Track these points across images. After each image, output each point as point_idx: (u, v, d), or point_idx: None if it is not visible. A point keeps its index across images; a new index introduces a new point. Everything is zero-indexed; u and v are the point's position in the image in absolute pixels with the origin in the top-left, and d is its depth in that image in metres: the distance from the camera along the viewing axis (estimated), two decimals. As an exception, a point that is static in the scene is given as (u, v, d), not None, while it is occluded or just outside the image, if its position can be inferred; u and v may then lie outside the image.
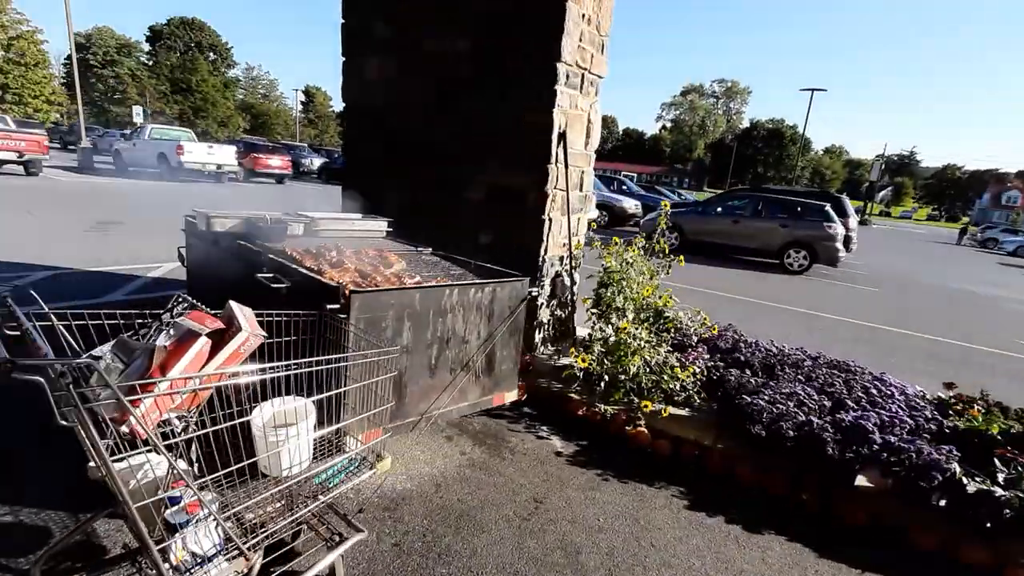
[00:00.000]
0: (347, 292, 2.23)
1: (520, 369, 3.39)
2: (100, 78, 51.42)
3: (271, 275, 2.41)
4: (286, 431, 1.93)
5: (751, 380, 3.66)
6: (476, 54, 4.29)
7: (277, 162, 22.07)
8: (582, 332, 4.39)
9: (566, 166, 4.17)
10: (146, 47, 57.04)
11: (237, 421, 1.78)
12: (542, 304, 4.37)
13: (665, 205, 4.80)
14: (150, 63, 55.85)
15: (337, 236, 3.65)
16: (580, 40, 4.14)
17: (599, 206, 17.89)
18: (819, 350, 4.50)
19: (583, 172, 4.59)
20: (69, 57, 48.61)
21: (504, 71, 4.17)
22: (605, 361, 3.75)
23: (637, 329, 3.79)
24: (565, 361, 4.02)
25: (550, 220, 4.24)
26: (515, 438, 3.37)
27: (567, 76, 4.07)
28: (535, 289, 3.07)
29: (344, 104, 5.41)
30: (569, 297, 4.49)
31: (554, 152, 4.08)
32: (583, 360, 3.59)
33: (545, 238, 4.24)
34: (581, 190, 4.64)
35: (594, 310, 4.20)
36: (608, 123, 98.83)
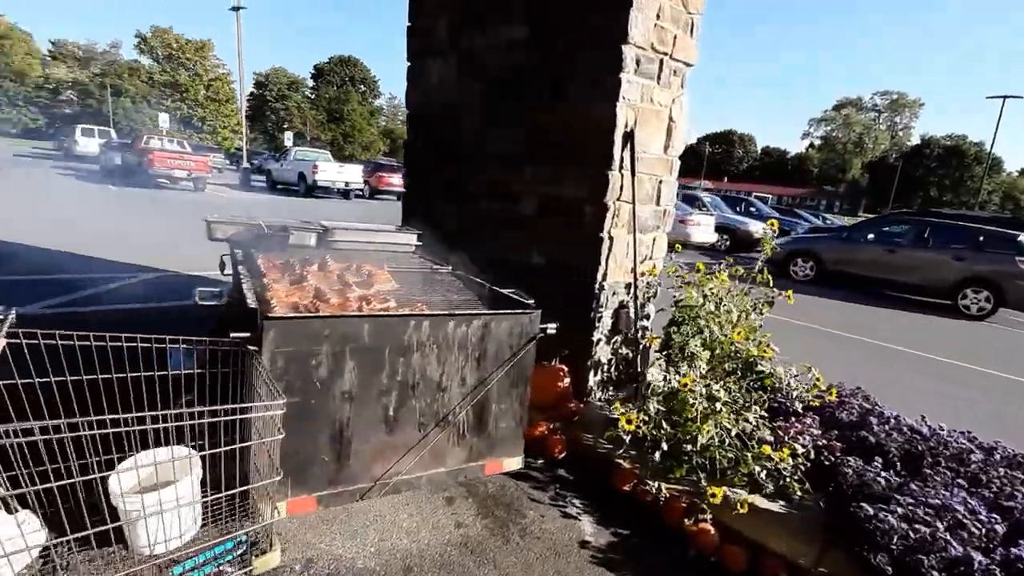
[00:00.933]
0: (262, 317, 1.71)
1: (564, 416, 2.66)
2: (273, 110, 59.97)
3: (209, 291, 1.98)
4: (157, 495, 1.43)
5: (881, 477, 2.52)
6: (531, 43, 3.68)
7: (397, 180, 23.40)
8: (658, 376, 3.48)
9: (633, 173, 3.36)
10: (310, 83, 65.50)
11: (83, 478, 1.33)
12: (599, 340, 3.57)
13: (772, 224, 3.74)
14: (312, 96, 63.95)
15: (353, 248, 3.23)
16: (658, 17, 3.34)
17: (721, 229, 16.15)
18: (998, 438, 3.10)
19: (660, 182, 3.73)
20: (251, 94, 57.33)
21: (560, 60, 3.51)
22: (664, 423, 2.84)
23: (713, 385, 2.83)
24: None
25: (611, 238, 3.44)
26: (534, 512, 2.61)
27: (637, 62, 3.29)
28: (552, 326, 2.33)
29: (408, 113, 5.12)
30: (636, 333, 3.62)
31: (617, 156, 3.31)
32: (630, 419, 2.73)
33: (604, 260, 3.45)
34: (657, 203, 3.77)
35: (660, 353, 3.30)
36: (745, 142, 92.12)
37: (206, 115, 49.98)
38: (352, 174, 20.79)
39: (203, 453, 1.54)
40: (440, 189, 4.57)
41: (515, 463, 2.37)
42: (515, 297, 2.38)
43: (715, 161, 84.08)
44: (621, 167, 3.34)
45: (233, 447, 1.51)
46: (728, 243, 16.13)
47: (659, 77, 3.48)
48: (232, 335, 1.68)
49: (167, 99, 47.52)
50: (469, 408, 2.18)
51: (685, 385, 2.73)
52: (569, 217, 3.57)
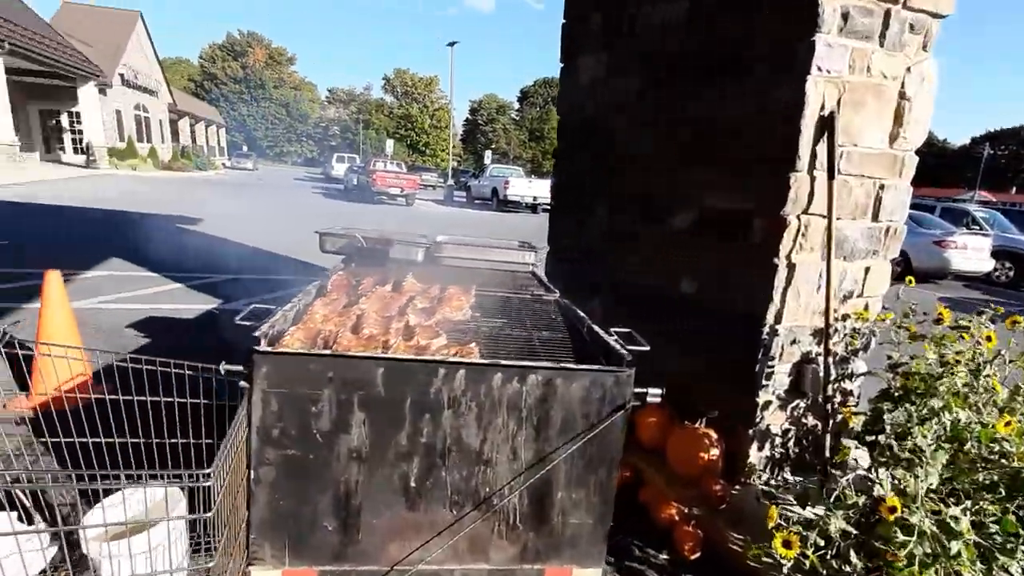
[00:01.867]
0: (251, 350, 1.40)
1: (706, 500, 1.95)
2: (483, 132, 66.13)
3: (251, 311, 1.78)
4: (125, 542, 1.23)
5: None
6: (692, 18, 2.92)
7: (586, 195, 23.28)
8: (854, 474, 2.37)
9: (831, 175, 2.37)
10: (516, 105, 70.50)
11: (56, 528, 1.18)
12: (768, 403, 2.63)
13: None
14: (517, 118, 68.72)
15: (459, 266, 2.90)
16: (879, -58, 2.32)
17: (1000, 254, 12.12)
18: None
19: (880, 187, 2.61)
20: (466, 120, 64.16)
21: (727, 34, 2.69)
22: (853, 557, 1.86)
23: (949, 509, 1.74)
24: (808, 512, 2.14)
25: (791, 265, 2.49)
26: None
27: (844, 16, 2.33)
28: (656, 392, 1.60)
29: (559, 117, 4.68)
30: (829, 401, 2.57)
31: (805, 151, 2.38)
32: (788, 541, 1.80)
33: (779, 294, 2.52)
34: (874, 218, 2.66)
35: (855, 441, 2.25)
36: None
37: (429, 140, 57.41)
38: (541, 189, 21.33)
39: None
40: (582, 202, 4.01)
41: (591, 575, 1.69)
42: (612, 344, 1.72)
43: (997, 167, 64.39)
44: (812, 167, 2.37)
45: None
46: (1011, 273, 12.01)
47: (883, 36, 2.40)
48: (224, 367, 1.42)
49: (401, 129, 55.97)
50: (523, 491, 1.59)
51: (894, 509, 1.69)
52: (730, 235, 2.70)
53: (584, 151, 4.09)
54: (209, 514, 1.11)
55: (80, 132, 22.62)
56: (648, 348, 1.79)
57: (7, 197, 12.03)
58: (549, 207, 4.83)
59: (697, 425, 2.68)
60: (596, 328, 1.93)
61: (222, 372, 1.43)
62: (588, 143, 4.04)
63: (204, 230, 10.03)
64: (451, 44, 25.97)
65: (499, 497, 1.60)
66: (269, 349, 1.41)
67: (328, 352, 1.44)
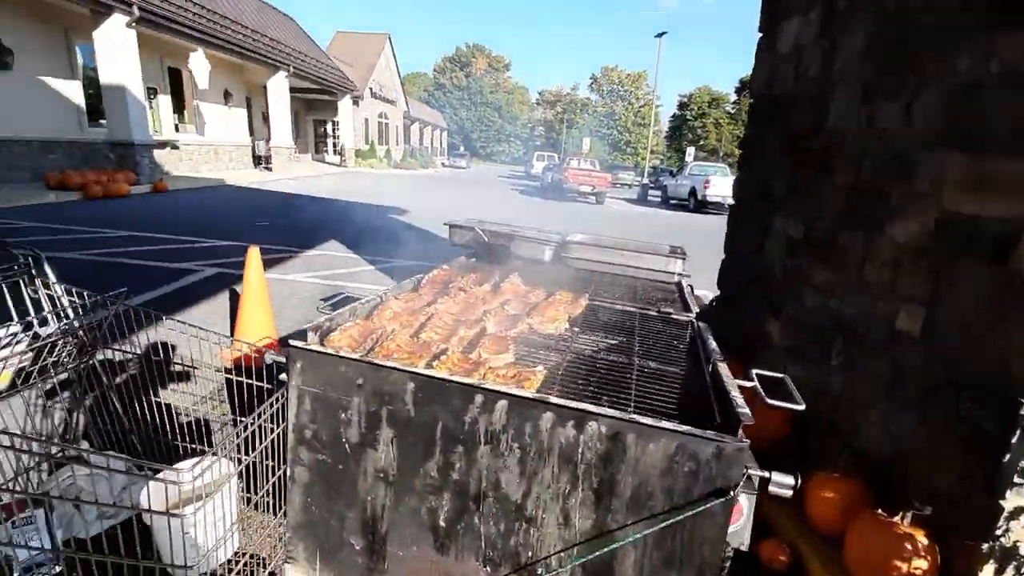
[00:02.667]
0: (287, 342, 1.32)
1: None
2: (691, 128, 62.06)
3: (331, 301, 1.74)
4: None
5: None
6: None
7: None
8: None
9: None
10: (733, 97, 64.46)
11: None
12: (1021, 510, 1.79)
13: None
14: (733, 111, 62.82)
15: (590, 268, 2.57)
16: None
17: None
18: None
19: None
20: (673, 115, 60.98)
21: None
22: None
23: None
24: None
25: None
26: None
27: None
28: (786, 482, 1.06)
29: (750, 101, 3.94)
30: None
31: None
32: None
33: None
34: None
35: None
36: None
37: (631, 138, 56.26)
38: (745, 189, 19.08)
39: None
40: (768, 201, 3.27)
41: None
42: (733, 397, 1.22)
43: None
44: None
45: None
46: None
47: None
48: (270, 357, 1.36)
49: (603, 127, 55.95)
50: (576, 570, 1.22)
51: None
52: (995, 256, 1.85)
53: (776, 138, 3.33)
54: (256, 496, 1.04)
55: (337, 137, 27.86)
56: (803, 407, 1.24)
57: (279, 188, 15.28)
58: (731, 208, 4.13)
59: (899, 518, 1.91)
60: (723, 368, 1.42)
61: (267, 361, 1.37)
62: (782, 127, 3.28)
63: (408, 220, 11.27)
64: (659, 35, 24.83)
65: (545, 569, 1.25)
66: (301, 344, 1.30)
67: (355, 356, 1.27)
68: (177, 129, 16.30)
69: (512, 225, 3.01)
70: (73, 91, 12.58)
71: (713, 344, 1.65)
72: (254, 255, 3.77)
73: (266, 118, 21.37)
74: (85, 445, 1.74)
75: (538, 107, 68.88)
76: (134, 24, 11.87)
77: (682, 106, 63.37)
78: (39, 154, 11.67)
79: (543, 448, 1.19)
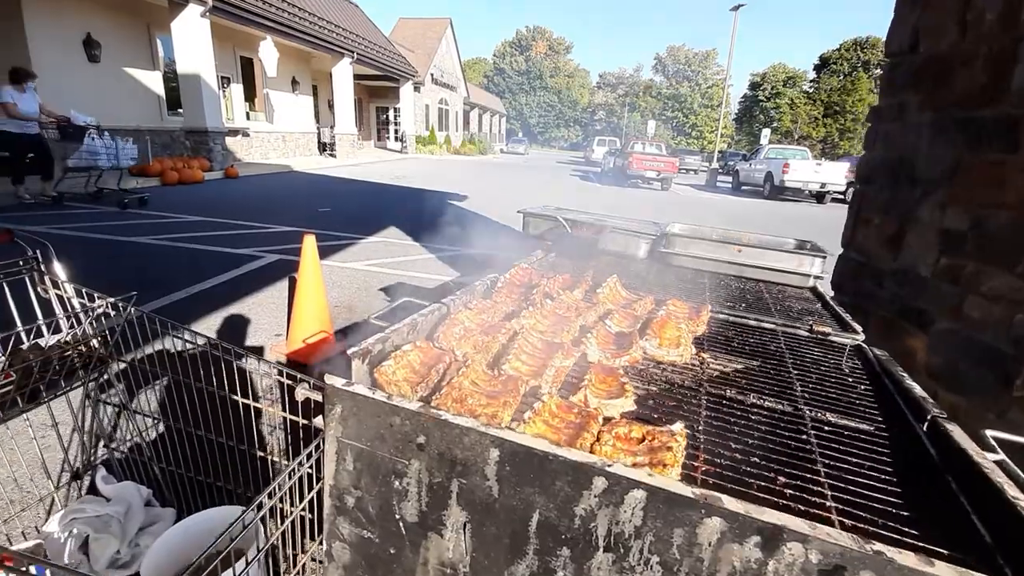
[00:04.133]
0: (323, 381, 0.95)
1: None
2: (763, 110, 58.25)
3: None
4: None
5: None
6: None
7: (897, 182, 18.06)
8: None
9: None
10: (811, 75, 59.80)
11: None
12: None
13: None
14: (810, 91, 58.35)
15: (699, 268, 2.09)
16: None
17: None
18: None
19: None
20: (744, 96, 57.46)
21: None
22: None
23: None
24: None
25: None
26: None
27: None
28: None
29: (884, 65, 3.27)
30: None
31: None
32: None
33: None
34: None
35: None
36: None
37: (697, 121, 53.59)
38: (831, 174, 17.48)
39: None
40: (910, 186, 2.64)
41: None
42: (1003, 493, 0.73)
43: None
44: None
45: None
46: None
47: None
48: (302, 393, 1.00)
49: (668, 110, 53.59)
50: None
51: None
52: None
53: (925, 108, 2.67)
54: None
55: (398, 124, 28.06)
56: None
57: (342, 174, 15.43)
58: (851, 194, 3.46)
59: None
60: (955, 432, 0.92)
61: (299, 398, 1.01)
62: (935, 94, 2.61)
63: (467, 206, 10.99)
64: (736, 8, 23.05)
65: None
66: (341, 384, 0.92)
67: (414, 406, 0.88)
68: (248, 117, 16.80)
69: (596, 213, 2.54)
70: (154, 81, 13.12)
71: (917, 389, 1.14)
72: (309, 244, 3.52)
73: (331, 105, 21.74)
74: (103, 472, 1.47)
75: (599, 90, 66.86)
76: (208, 13, 12.16)
77: (754, 86, 59.57)
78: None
79: (701, 571, 0.75)
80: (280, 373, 1.12)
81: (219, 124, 13.44)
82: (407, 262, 6.23)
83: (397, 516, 0.94)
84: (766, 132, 24.79)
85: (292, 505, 1.04)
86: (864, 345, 1.45)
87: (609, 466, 0.75)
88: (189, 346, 1.38)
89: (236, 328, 3.87)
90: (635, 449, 0.88)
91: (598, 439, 0.90)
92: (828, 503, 0.85)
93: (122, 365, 1.41)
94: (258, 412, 1.52)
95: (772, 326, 1.54)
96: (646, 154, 18.80)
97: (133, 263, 5.40)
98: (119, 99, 12.05)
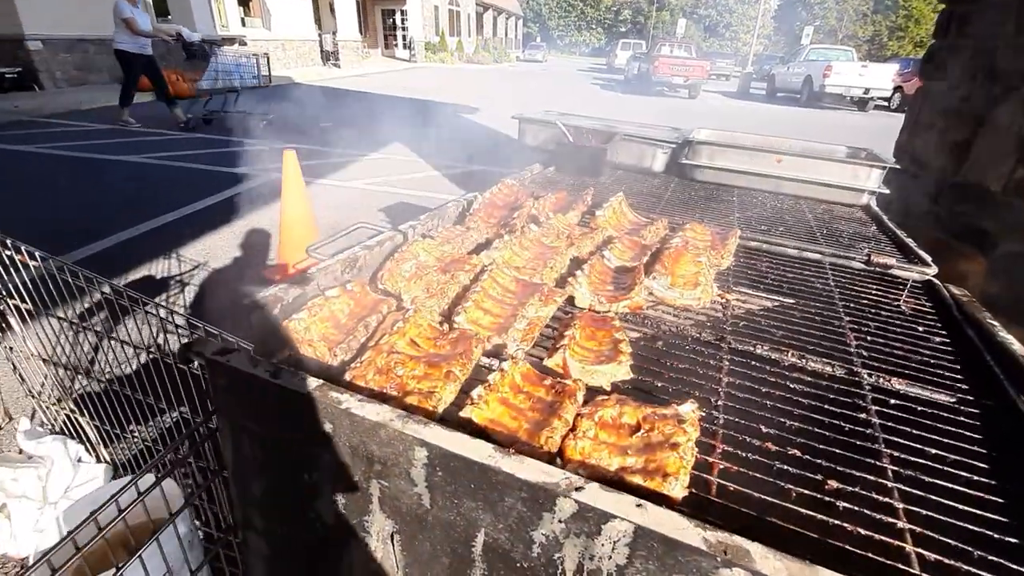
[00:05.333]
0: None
1: None
2: (806, 5, 52.73)
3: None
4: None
5: None
6: None
7: (952, 85, 16.35)
8: None
9: None
10: (867, -36, 53.15)
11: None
12: None
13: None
14: (864, -18, 52.22)
15: (727, 182, 1.74)
16: None
17: None
18: None
19: None
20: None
21: None
22: None
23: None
24: None
25: None
26: None
27: None
28: None
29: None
30: None
31: None
32: None
33: None
34: None
35: None
36: None
37: (731, 20, 49.01)
38: (877, 77, 15.89)
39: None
40: (1001, 81, 2.17)
41: None
42: None
43: None
44: None
45: None
46: None
47: None
48: (196, 357, 0.75)
49: (699, 7, 48.95)
50: None
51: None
52: None
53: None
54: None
55: (406, 28, 26.11)
56: None
57: (346, 86, 14.56)
58: (896, 100, 2.92)
59: None
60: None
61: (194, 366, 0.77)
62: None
63: (478, 119, 10.30)
64: None
65: None
66: (214, 353, 0.66)
67: (310, 386, 0.62)
68: (243, 24, 15.68)
69: (605, 119, 2.15)
70: (138, -17, 12.12)
71: (1016, 345, 0.85)
72: (291, 162, 3.19)
73: (332, 8, 20.17)
74: (26, 426, 1.29)
75: (624, -15, 60.93)
76: (187, -100, 10.93)
77: (806, -23, 53.37)
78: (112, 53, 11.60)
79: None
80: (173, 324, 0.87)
81: (211, 32, 12.54)
82: (411, 180, 5.86)
83: (312, 515, 0.72)
84: (808, 30, 22.43)
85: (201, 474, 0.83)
86: (936, 282, 1.14)
87: (578, 489, 0.50)
88: (117, 299, 1.13)
89: (229, 253, 3.66)
90: (625, 445, 0.62)
91: (574, 428, 0.64)
92: (900, 523, 0.59)
93: (47, 318, 1.19)
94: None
95: (818, 256, 1.22)
96: (674, 57, 17.26)
97: (126, 181, 5.16)
98: (103, 5, 11.20)
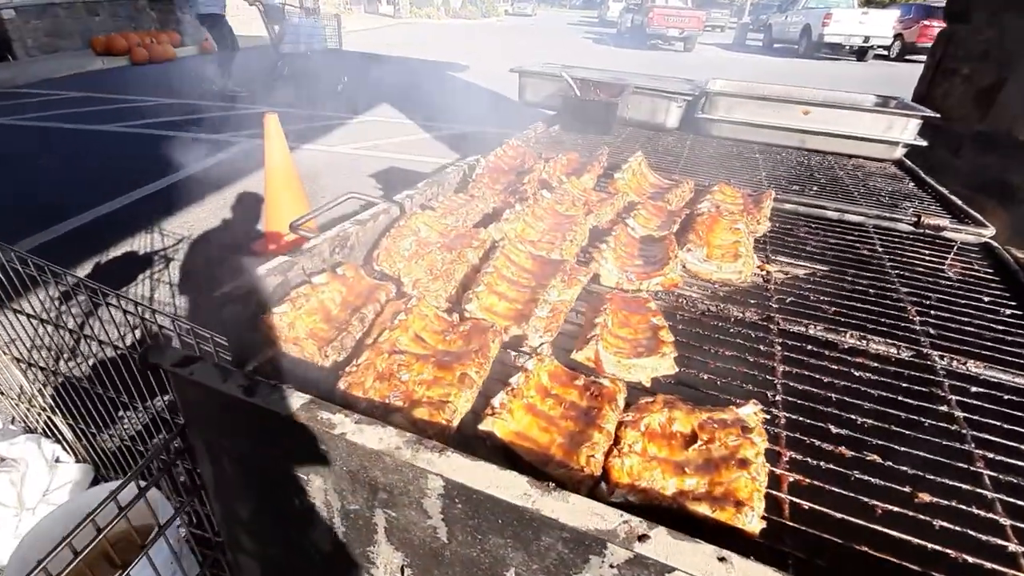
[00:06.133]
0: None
1: None
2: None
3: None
4: None
5: None
6: None
7: (955, 32, 15.83)
8: None
9: None
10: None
11: None
12: None
13: None
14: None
15: (749, 137, 1.60)
16: None
17: None
18: None
19: None
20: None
21: None
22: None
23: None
24: None
25: None
26: None
27: None
28: None
29: None
30: None
31: None
32: None
33: None
34: None
35: None
36: None
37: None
38: (878, 24, 15.35)
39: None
40: (1010, 32, 2.00)
41: None
42: None
43: None
44: None
45: None
46: None
47: None
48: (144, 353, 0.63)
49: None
50: None
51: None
52: None
53: None
54: None
55: (390, -18, 24.93)
56: None
57: (329, 45, 13.91)
58: (897, 49, 2.74)
59: None
60: None
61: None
62: None
63: (468, 77, 9.90)
64: None
65: None
66: (178, 369, 0.54)
67: (294, 405, 0.50)
68: (217, -21, 14.82)
69: (614, 71, 1.98)
70: (100, -64, 11.35)
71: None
72: (272, 127, 2.99)
73: (310, -38, 19.12)
74: (-6, 426, 1.18)
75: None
76: None
77: (798, -82, 51.02)
78: (85, 16, 10.95)
79: None
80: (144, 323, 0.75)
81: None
82: (402, 143, 5.63)
83: (307, 542, 0.62)
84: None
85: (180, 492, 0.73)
86: (995, 244, 1.02)
87: (642, 538, 0.39)
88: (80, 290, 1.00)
89: (214, 227, 3.49)
90: (681, 460, 0.51)
91: (617, 440, 0.53)
92: (1011, 545, 0.49)
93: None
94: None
95: (860, 218, 1.10)
96: (669, 8, 16.57)
97: (103, 154, 4.91)
98: (64, -40, 10.50)
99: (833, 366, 0.70)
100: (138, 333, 0.93)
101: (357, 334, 0.66)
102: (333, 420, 0.48)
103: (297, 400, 0.50)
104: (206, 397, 0.54)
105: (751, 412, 0.56)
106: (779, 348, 0.73)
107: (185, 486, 0.89)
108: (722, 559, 0.37)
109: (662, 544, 0.38)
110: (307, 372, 0.63)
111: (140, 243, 3.20)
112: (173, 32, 11.57)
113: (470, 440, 0.54)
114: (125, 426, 1.15)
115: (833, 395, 0.66)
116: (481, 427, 0.53)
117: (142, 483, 0.66)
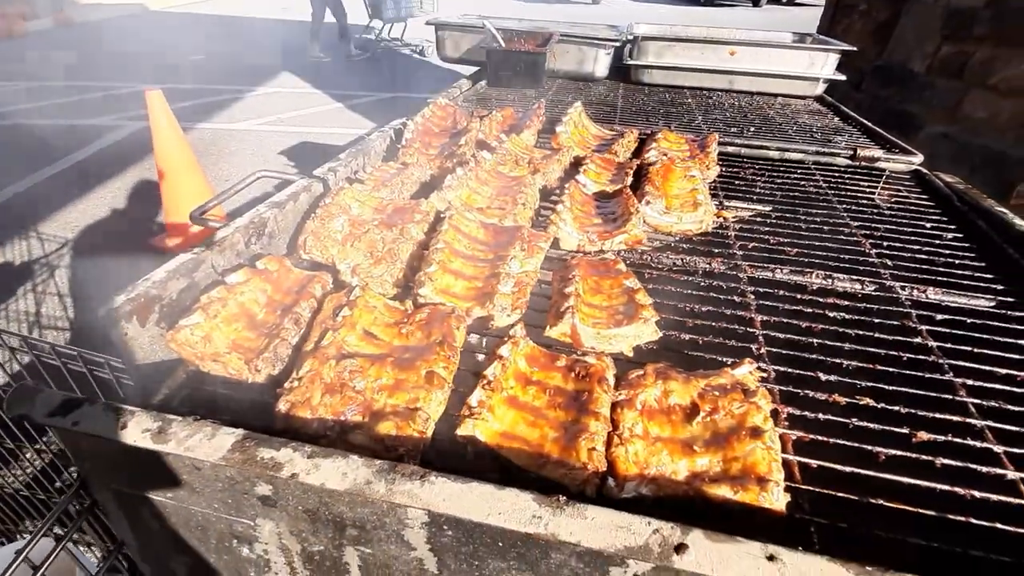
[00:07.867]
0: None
1: None
2: None
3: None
4: None
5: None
6: None
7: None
8: None
9: None
10: None
11: None
12: None
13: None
14: None
15: (678, 83, 1.55)
16: None
17: None
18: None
19: None
20: None
21: None
22: None
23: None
24: None
25: None
26: None
27: None
28: None
29: None
30: None
31: None
32: None
33: None
34: None
35: None
36: None
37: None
38: (771, -31, 15.94)
39: None
40: None
41: None
42: None
43: None
44: None
45: None
46: None
47: None
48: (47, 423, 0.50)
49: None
50: None
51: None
52: None
53: None
54: None
55: (274, -63, 22.73)
56: None
57: (213, 11, 12.57)
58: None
59: None
60: None
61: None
62: None
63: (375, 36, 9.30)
64: None
65: None
66: (56, 421, 0.42)
67: (220, 454, 0.40)
68: (64, -62, 12.81)
69: (531, 20, 1.87)
70: None
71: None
72: (156, 105, 2.63)
73: (176, -85, 16.95)
74: None
75: None
76: None
77: None
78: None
79: None
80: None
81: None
82: (310, 116, 5.22)
83: (265, 592, 0.52)
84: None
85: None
86: (925, 171, 1.05)
87: (679, 549, 0.33)
88: None
89: (103, 224, 3.08)
90: (687, 438, 0.46)
91: (615, 426, 0.47)
92: (1009, 473, 0.49)
93: None
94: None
95: (800, 156, 1.09)
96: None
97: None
98: None
99: (807, 309, 0.68)
100: (13, 366, 0.76)
101: (293, 339, 0.55)
102: (279, 459, 0.38)
103: (226, 439, 0.39)
104: (104, 445, 0.42)
105: (747, 372, 0.52)
106: (752, 297, 0.70)
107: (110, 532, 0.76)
108: (771, 557, 0.32)
109: (703, 551, 0.33)
110: (237, 394, 0.52)
111: (14, 252, 2.76)
112: (19, 2, 9.95)
113: (448, 449, 0.46)
114: (16, 472, 0.97)
115: (814, 340, 0.64)
116: (460, 432, 0.46)
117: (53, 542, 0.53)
